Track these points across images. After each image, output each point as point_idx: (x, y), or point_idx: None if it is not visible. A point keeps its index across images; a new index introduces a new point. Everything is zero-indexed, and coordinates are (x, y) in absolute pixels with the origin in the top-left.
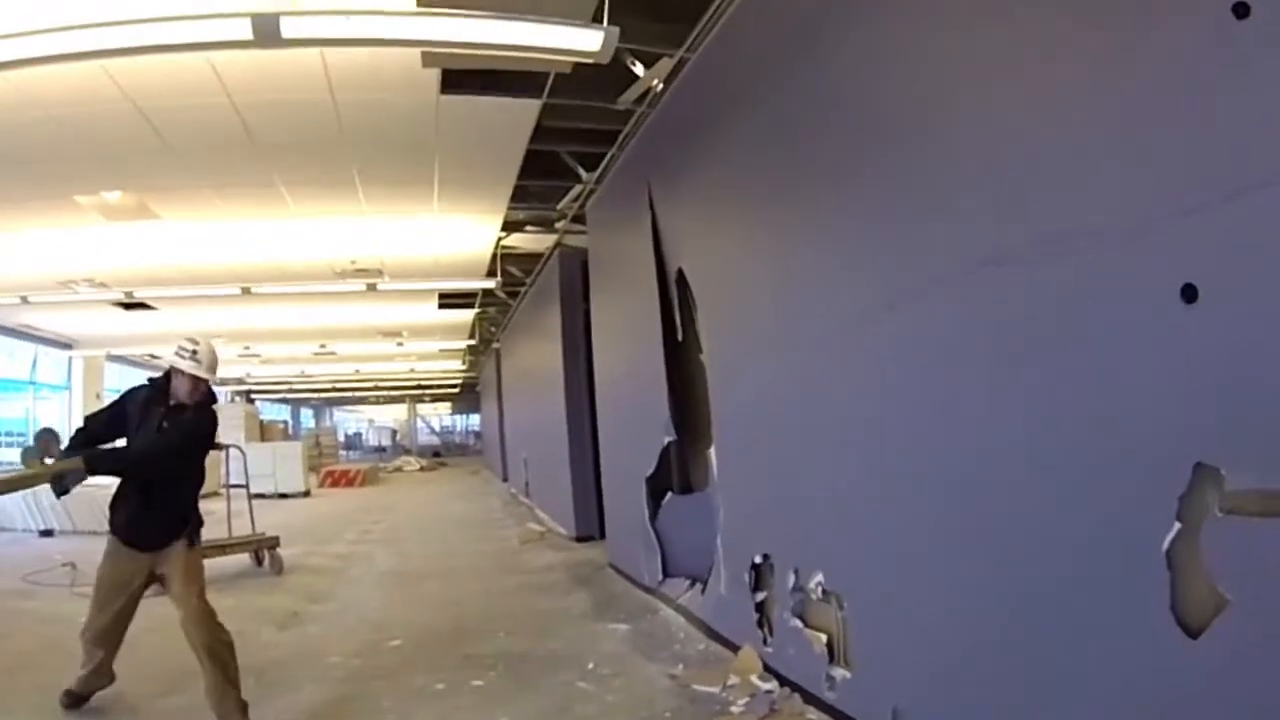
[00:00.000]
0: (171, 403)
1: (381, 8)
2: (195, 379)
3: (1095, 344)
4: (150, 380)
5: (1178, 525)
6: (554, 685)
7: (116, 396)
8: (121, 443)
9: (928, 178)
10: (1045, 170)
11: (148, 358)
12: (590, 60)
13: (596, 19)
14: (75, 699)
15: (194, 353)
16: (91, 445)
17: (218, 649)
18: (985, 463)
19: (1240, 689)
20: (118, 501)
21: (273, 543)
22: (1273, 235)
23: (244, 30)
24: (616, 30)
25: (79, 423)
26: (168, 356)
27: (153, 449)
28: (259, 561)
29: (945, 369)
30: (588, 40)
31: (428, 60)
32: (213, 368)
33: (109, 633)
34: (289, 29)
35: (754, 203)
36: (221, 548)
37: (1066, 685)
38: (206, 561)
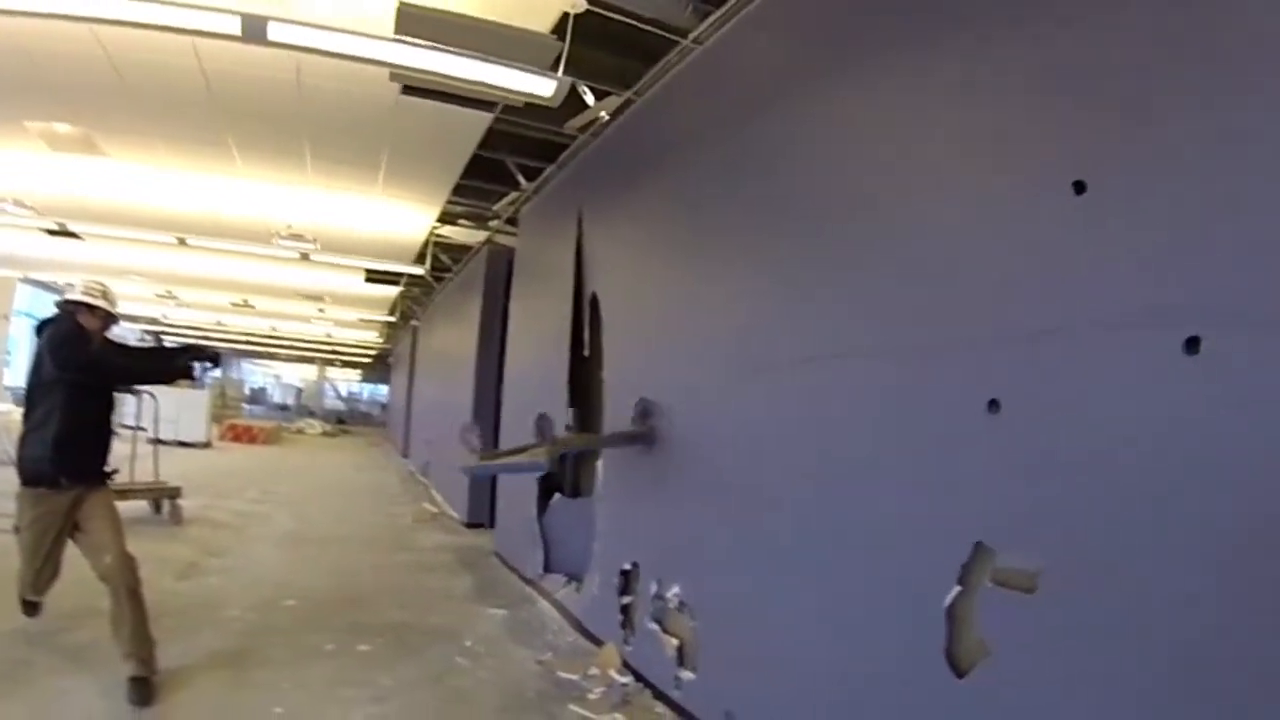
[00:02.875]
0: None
1: (363, 27)
2: (109, 315)
3: (920, 434)
4: (56, 318)
5: (957, 588)
6: (433, 657)
7: (43, 330)
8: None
9: (803, 266)
10: (892, 289)
11: (66, 285)
12: (542, 103)
13: (555, 67)
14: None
15: (104, 293)
16: None
17: (138, 591)
18: (817, 513)
19: (990, 717)
20: (40, 436)
21: (174, 492)
22: (1058, 369)
23: (233, 26)
24: (569, 81)
25: None
26: (73, 293)
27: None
28: (158, 509)
29: (792, 436)
30: (543, 87)
31: (395, 76)
32: (116, 306)
33: (46, 577)
34: (275, 33)
35: (660, 251)
36: (123, 492)
37: (864, 706)
38: None
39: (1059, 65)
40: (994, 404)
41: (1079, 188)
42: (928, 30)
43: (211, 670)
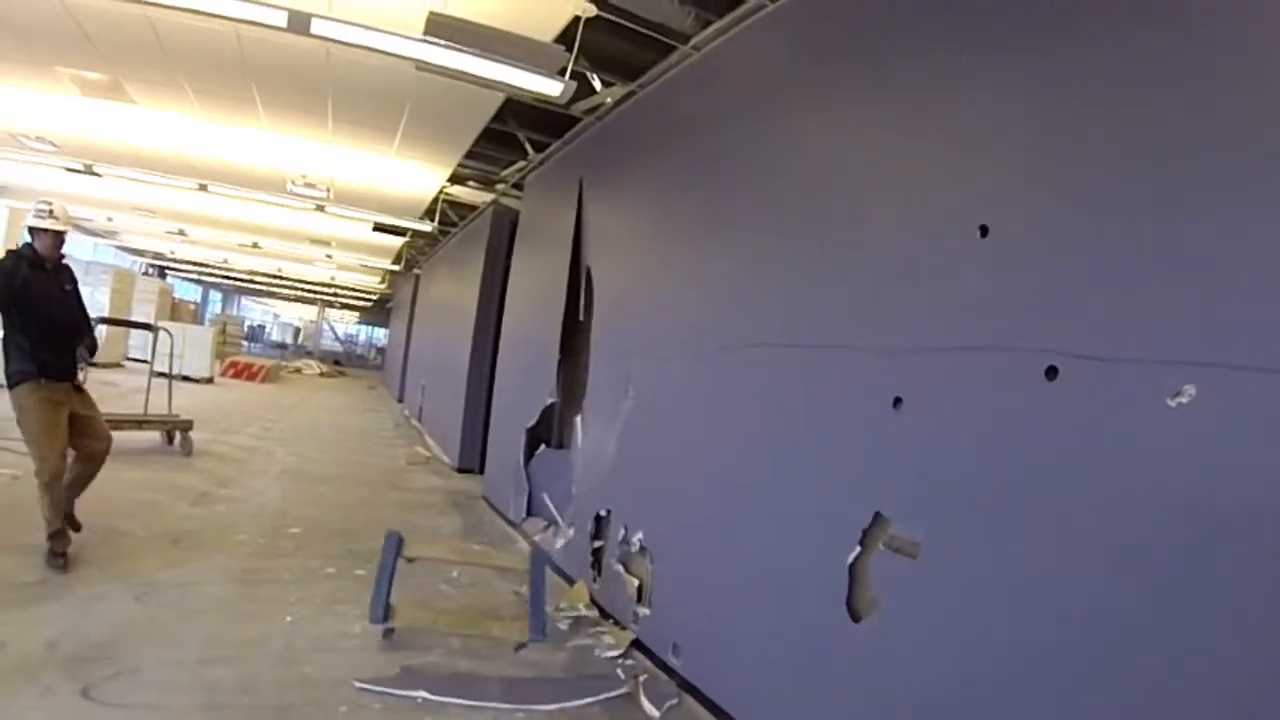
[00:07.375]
0: (48, 266)
1: (394, 26)
2: (58, 234)
3: (842, 419)
4: (12, 254)
5: (858, 549)
6: (422, 584)
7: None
8: None
9: (759, 262)
10: (831, 294)
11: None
12: (551, 101)
13: (563, 72)
14: (65, 557)
15: (50, 211)
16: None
17: None
18: (752, 485)
19: (877, 656)
20: (27, 347)
21: (186, 425)
22: (947, 379)
23: (279, 19)
24: (574, 84)
25: None
26: (29, 217)
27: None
28: (170, 440)
29: (738, 410)
30: (552, 88)
31: (421, 68)
32: (68, 221)
33: (62, 466)
34: (318, 28)
35: (645, 234)
36: (139, 422)
37: (779, 642)
38: (121, 434)
39: (988, 124)
40: (898, 401)
41: (983, 231)
42: (887, 74)
43: (226, 584)
